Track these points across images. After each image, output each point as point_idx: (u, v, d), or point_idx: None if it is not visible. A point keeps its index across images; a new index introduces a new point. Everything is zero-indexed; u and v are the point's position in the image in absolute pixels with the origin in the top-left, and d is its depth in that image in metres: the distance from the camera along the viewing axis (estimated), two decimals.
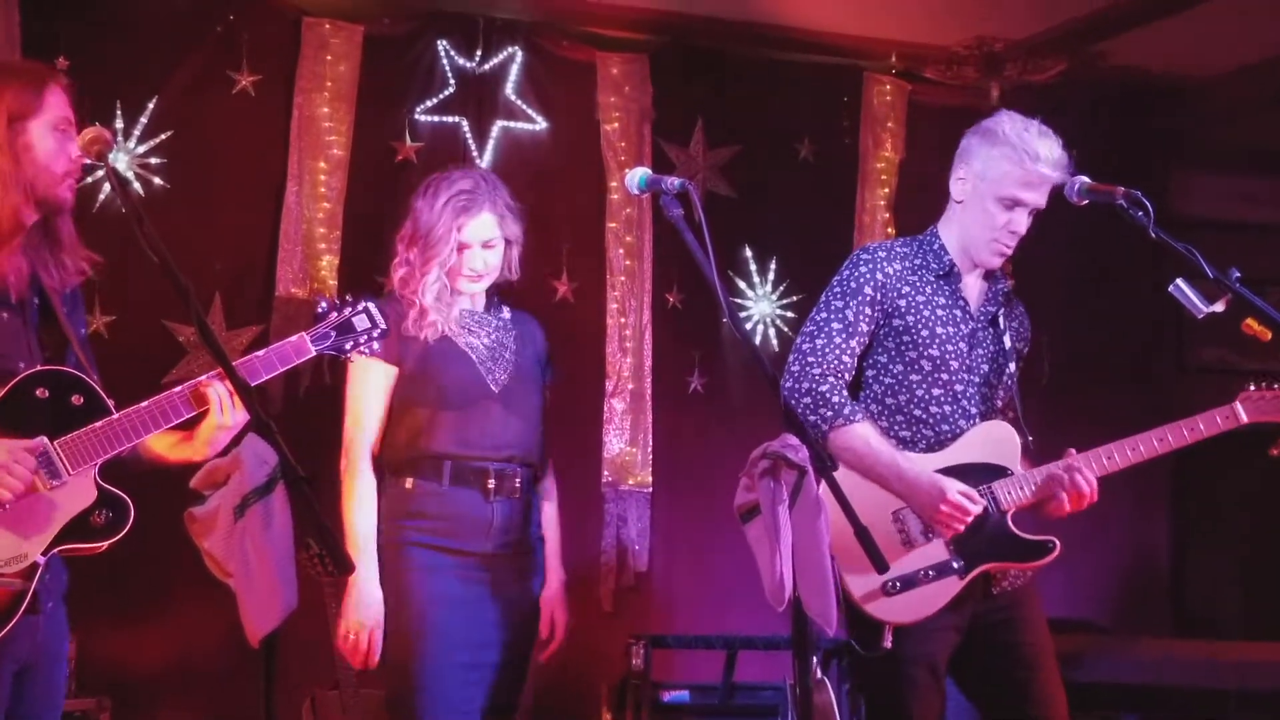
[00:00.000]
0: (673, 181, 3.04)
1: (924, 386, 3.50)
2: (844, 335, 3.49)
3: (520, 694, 3.69)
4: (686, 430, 6.02)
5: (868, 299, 3.50)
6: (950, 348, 3.50)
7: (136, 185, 5.23)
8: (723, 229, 5.37)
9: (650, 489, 5.94)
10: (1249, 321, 3.33)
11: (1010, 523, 3.45)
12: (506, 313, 3.80)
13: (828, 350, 3.48)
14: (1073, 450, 3.47)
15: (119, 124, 5.21)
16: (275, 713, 3.82)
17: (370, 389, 3.62)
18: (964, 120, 5.57)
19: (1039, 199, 3.46)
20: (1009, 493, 3.44)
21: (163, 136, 5.30)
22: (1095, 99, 6.46)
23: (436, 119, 5.72)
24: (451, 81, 5.73)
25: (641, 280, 5.98)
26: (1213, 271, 3.29)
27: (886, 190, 6.33)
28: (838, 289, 3.55)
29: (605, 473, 5.88)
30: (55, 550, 2.79)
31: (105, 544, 2.83)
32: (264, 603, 3.70)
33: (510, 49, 5.80)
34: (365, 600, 3.54)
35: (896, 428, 3.51)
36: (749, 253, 6.13)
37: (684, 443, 6.01)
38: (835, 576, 3.18)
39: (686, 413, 6.04)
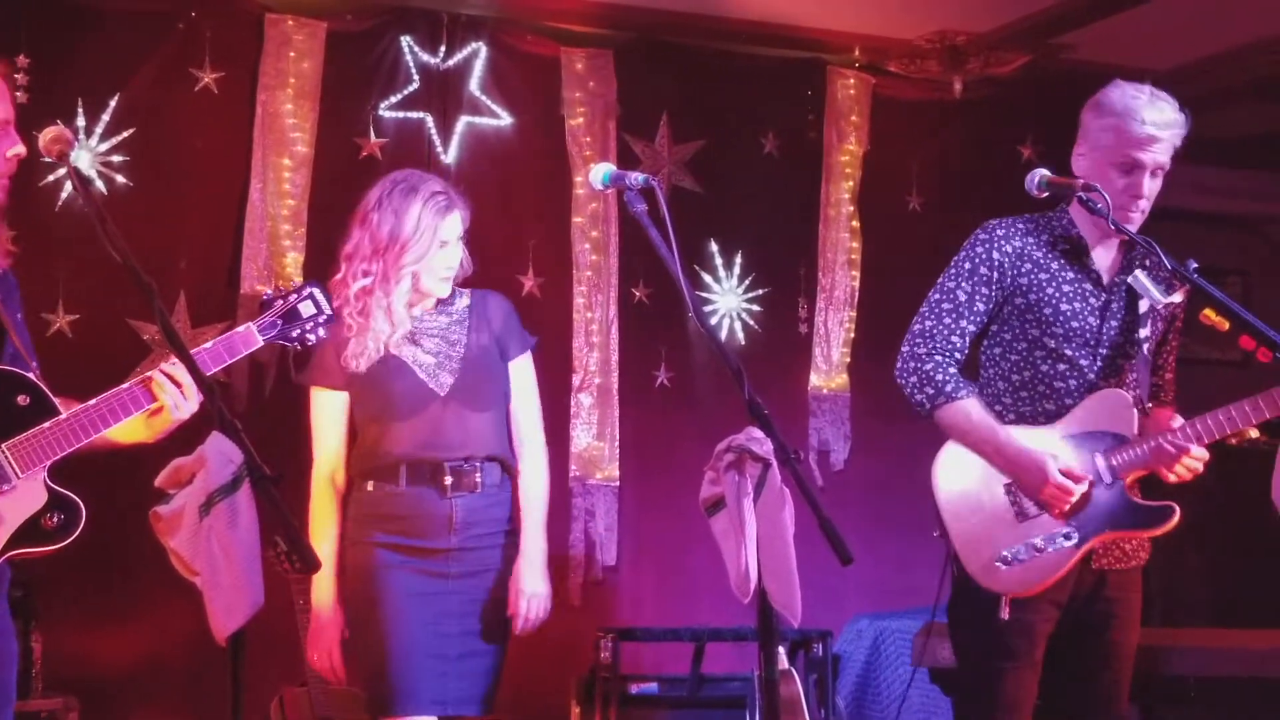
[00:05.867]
0: (636, 177, 3.04)
1: (1049, 362, 3.47)
2: (953, 315, 3.48)
3: (497, 684, 3.70)
4: (653, 424, 6.04)
5: (983, 278, 3.48)
6: (1076, 324, 3.46)
7: (99, 184, 5.21)
8: (688, 223, 5.40)
9: (618, 483, 5.95)
10: (1206, 312, 3.35)
11: (1127, 490, 3.42)
12: (464, 299, 3.79)
13: (936, 331, 3.48)
14: (1178, 417, 3.42)
15: (81, 122, 5.18)
16: (243, 711, 3.82)
17: (324, 417, 3.73)
18: (927, 113, 5.61)
19: (1156, 158, 3.41)
20: (1123, 460, 3.41)
21: (125, 134, 5.28)
22: (1057, 91, 6.51)
23: (401, 115, 5.71)
24: (415, 77, 5.72)
25: (608, 275, 5.99)
26: (1171, 262, 3.32)
27: (851, 183, 6.35)
28: (953, 270, 3.53)
29: (573, 467, 5.89)
30: (6, 556, 2.77)
31: (57, 547, 2.82)
32: (230, 601, 3.70)
33: (474, 44, 5.79)
34: (323, 618, 3.69)
35: (1020, 403, 3.49)
36: (714, 247, 6.15)
37: (651, 437, 6.03)
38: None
39: (653, 407, 6.05)
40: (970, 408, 3.43)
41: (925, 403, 3.46)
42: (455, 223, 3.68)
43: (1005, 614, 3.37)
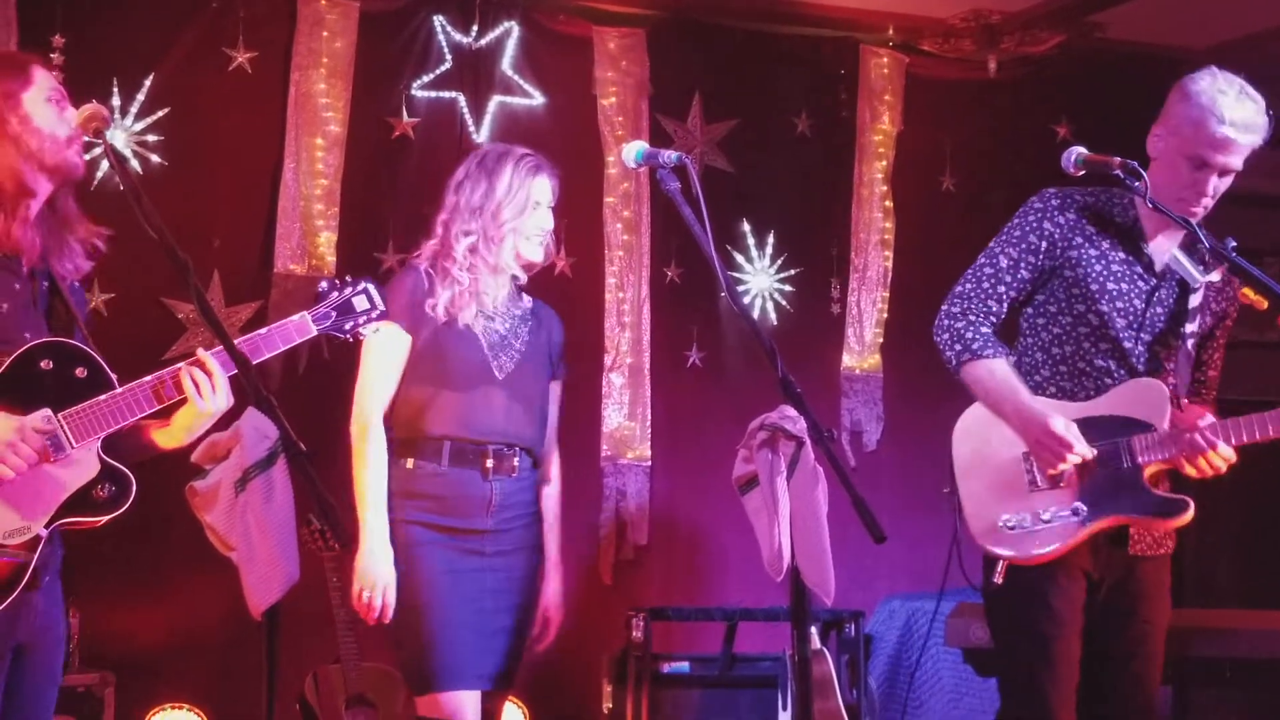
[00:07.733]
0: (669, 155, 3.03)
1: (1090, 340, 3.45)
2: (993, 280, 3.48)
3: (519, 664, 3.73)
4: (685, 404, 6.03)
5: (1031, 246, 3.47)
6: (1121, 304, 3.43)
7: (134, 162, 5.23)
8: (720, 203, 5.40)
9: (649, 462, 5.96)
10: (1245, 291, 3.35)
11: (1145, 478, 3.38)
12: (527, 302, 3.85)
13: (974, 294, 3.48)
14: (1209, 415, 3.37)
15: (116, 101, 5.20)
16: (277, 686, 3.85)
17: (386, 356, 3.64)
18: (961, 92, 5.53)
19: (1229, 160, 3.33)
20: (1147, 448, 3.37)
21: (160, 114, 5.29)
22: (1092, 70, 6.47)
23: (433, 94, 5.71)
24: (448, 57, 5.72)
25: (640, 255, 5.98)
26: (1209, 241, 3.30)
27: (884, 163, 6.33)
28: (1003, 235, 3.52)
29: (604, 447, 5.90)
30: (58, 523, 2.81)
31: (107, 518, 2.85)
32: (265, 576, 3.74)
33: (506, 24, 5.79)
34: (376, 557, 3.55)
35: (1059, 378, 3.48)
36: (747, 226, 6.14)
37: (682, 416, 6.02)
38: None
39: (685, 387, 6.05)
40: (995, 366, 3.42)
41: (953, 359, 3.46)
42: (545, 184, 3.74)
43: (999, 579, 3.37)
